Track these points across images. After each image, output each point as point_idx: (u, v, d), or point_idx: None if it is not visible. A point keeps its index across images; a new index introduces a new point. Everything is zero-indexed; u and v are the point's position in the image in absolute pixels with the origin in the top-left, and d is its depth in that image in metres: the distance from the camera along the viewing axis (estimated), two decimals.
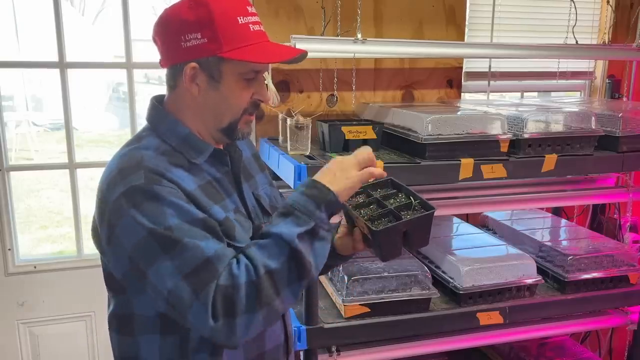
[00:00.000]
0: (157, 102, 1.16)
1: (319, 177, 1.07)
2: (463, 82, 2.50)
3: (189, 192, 1.03)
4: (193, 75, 1.07)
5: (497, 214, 2.51)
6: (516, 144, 1.81)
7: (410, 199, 1.15)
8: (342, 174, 1.06)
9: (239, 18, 1.05)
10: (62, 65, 2.12)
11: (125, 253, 1.00)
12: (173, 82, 1.12)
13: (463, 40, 2.42)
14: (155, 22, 1.10)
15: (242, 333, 0.97)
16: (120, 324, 1.13)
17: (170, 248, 0.97)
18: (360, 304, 1.73)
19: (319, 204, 1.03)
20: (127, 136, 2.03)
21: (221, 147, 1.18)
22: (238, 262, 0.99)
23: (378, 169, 1.10)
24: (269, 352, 1.20)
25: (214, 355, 1.09)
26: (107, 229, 1.02)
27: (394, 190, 1.20)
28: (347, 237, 1.20)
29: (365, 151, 1.10)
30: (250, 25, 1.07)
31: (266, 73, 1.87)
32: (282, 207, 1.05)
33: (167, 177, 1.02)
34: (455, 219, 2.38)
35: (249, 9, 1.08)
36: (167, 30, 1.08)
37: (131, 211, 0.98)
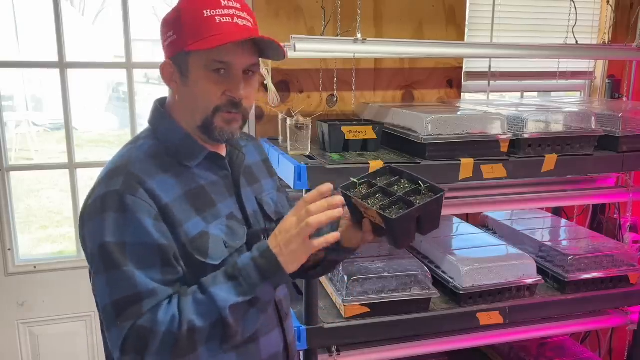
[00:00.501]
0: (159, 105, 1.17)
1: (271, 244, 1.03)
2: (463, 82, 2.50)
3: (164, 205, 1.04)
4: (170, 73, 1.10)
5: (497, 214, 2.51)
6: (516, 144, 1.81)
7: (419, 183, 1.14)
8: (287, 248, 1.01)
9: (205, 11, 1.04)
10: (62, 65, 2.12)
11: (88, 251, 1.05)
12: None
13: (463, 40, 2.42)
14: None
15: None
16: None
17: (111, 268, 0.99)
18: (360, 304, 1.73)
19: (266, 277, 1.01)
20: (127, 136, 2.03)
21: (217, 151, 1.16)
22: (169, 306, 0.99)
23: (319, 241, 1.02)
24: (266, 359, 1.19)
25: None
26: (80, 223, 1.07)
27: (396, 177, 1.20)
28: (353, 229, 1.18)
29: (302, 215, 1.01)
30: (217, 17, 1.04)
31: (266, 73, 1.87)
32: (230, 266, 1.03)
33: (146, 186, 1.03)
34: (455, 219, 2.38)
35: (225, 2, 1.06)
36: (160, 33, 1.12)
37: (100, 216, 1.01)
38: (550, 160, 1.81)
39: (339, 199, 1.04)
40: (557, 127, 1.86)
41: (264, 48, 1.11)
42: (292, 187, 1.58)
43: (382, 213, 1.06)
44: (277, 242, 1.02)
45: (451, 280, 1.87)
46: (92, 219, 1.03)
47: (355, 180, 1.18)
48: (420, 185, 1.14)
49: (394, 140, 1.85)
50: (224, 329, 1.00)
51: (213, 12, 1.04)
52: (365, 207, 1.10)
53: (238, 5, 1.08)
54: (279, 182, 1.41)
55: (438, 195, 1.09)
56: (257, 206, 1.23)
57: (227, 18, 1.05)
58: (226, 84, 1.07)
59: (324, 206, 1.01)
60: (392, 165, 1.23)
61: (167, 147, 1.11)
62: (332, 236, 1.03)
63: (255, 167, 1.29)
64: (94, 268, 1.03)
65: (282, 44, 1.12)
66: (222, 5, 1.06)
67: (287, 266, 1.02)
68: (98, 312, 1.12)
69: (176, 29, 1.06)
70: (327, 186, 1.04)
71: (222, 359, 1.10)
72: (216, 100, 1.07)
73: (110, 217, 1.00)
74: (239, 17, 1.07)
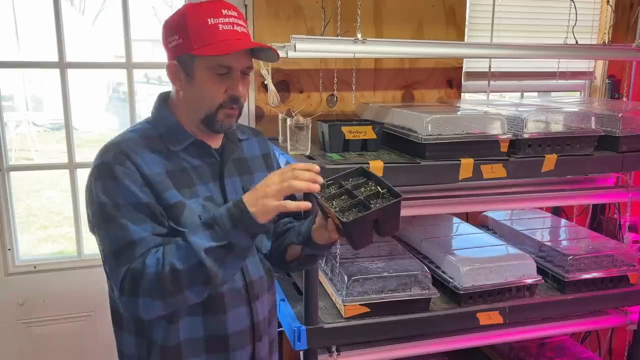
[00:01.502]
0: (162, 97, 1.32)
1: (247, 197, 1.13)
2: (463, 82, 2.50)
3: (147, 176, 1.18)
4: (175, 72, 1.23)
5: (497, 214, 2.51)
6: (516, 144, 1.81)
7: (378, 188, 1.18)
8: (261, 200, 1.11)
9: (209, 19, 1.18)
10: (62, 65, 2.12)
11: (90, 215, 1.21)
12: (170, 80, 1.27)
13: (463, 40, 2.42)
14: None
15: (143, 311, 1.13)
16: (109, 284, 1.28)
17: (109, 222, 1.15)
18: (360, 304, 1.73)
19: (236, 224, 1.11)
20: None
21: (206, 140, 1.28)
22: (155, 252, 1.13)
23: (292, 204, 1.12)
24: (233, 334, 1.28)
25: (171, 323, 1.22)
26: (85, 194, 1.23)
27: (364, 179, 1.23)
28: (323, 227, 1.23)
29: (287, 176, 1.12)
30: (220, 25, 1.18)
31: (266, 73, 1.87)
32: (209, 218, 1.15)
33: (132, 159, 1.18)
34: (455, 219, 2.38)
35: (225, 11, 1.20)
36: (163, 36, 1.25)
37: (96, 183, 1.18)
38: (550, 160, 1.81)
39: (321, 179, 1.15)
40: (557, 127, 1.86)
41: (258, 52, 1.25)
42: None
43: (338, 216, 1.11)
44: (254, 194, 1.13)
45: (451, 280, 1.87)
46: (89, 186, 1.19)
47: (323, 181, 1.21)
48: (379, 189, 1.18)
49: (394, 140, 1.85)
50: (201, 272, 1.11)
51: (216, 21, 1.18)
52: (328, 209, 1.15)
53: (235, 14, 1.22)
54: None
55: (394, 201, 1.13)
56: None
57: (229, 26, 1.19)
58: (227, 83, 1.21)
59: (309, 177, 1.13)
60: (364, 168, 1.26)
61: (159, 132, 1.25)
62: (304, 204, 1.15)
63: (251, 160, 1.40)
64: (96, 226, 1.18)
65: (276, 48, 1.26)
66: (224, 14, 1.19)
67: (258, 216, 1.11)
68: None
69: (181, 33, 1.19)
70: (317, 167, 1.16)
71: (189, 321, 1.24)
72: (220, 98, 1.22)
73: (103, 183, 1.16)
74: (237, 24, 1.21)
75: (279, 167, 1.46)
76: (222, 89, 1.21)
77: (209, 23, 1.17)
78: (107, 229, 1.15)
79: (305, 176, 1.13)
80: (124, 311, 1.19)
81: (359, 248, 1.17)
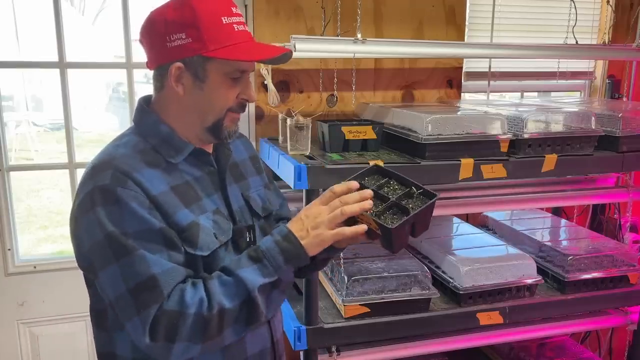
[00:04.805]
0: (144, 103, 1.18)
1: (294, 228, 1.08)
2: (463, 82, 2.50)
3: (153, 196, 1.04)
4: (178, 75, 1.09)
5: (497, 214, 2.51)
6: (516, 144, 1.81)
7: (412, 187, 1.16)
8: (314, 231, 1.06)
9: (223, 18, 1.07)
10: (62, 65, 2.12)
11: (84, 249, 1.05)
12: (159, 83, 1.13)
13: (463, 40, 2.42)
14: (141, 24, 1.12)
15: (177, 357, 1.01)
16: (97, 318, 1.16)
17: (121, 256, 1.00)
18: (360, 304, 1.73)
19: (289, 259, 1.06)
20: None
21: (203, 147, 1.18)
22: (194, 289, 1.02)
23: (350, 229, 1.07)
24: (252, 356, 1.20)
25: None
26: (72, 222, 1.08)
27: (385, 179, 1.21)
28: None
29: (335, 204, 1.07)
30: (234, 25, 1.08)
31: (266, 73, 1.87)
32: (253, 250, 1.07)
33: (134, 178, 1.03)
34: (455, 219, 2.38)
35: (234, 9, 1.10)
36: (153, 32, 1.10)
37: (94, 210, 1.01)
38: (550, 160, 1.81)
39: (369, 192, 1.10)
40: (557, 127, 1.86)
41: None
42: (292, 187, 1.58)
43: (382, 223, 1.07)
44: (302, 226, 1.07)
45: (451, 280, 1.87)
46: (85, 215, 1.03)
47: (371, 194, 1.19)
48: (412, 189, 1.15)
49: (394, 140, 1.85)
50: (250, 309, 1.03)
51: (230, 20, 1.08)
52: (364, 216, 1.11)
53: (240, 12, 1.12)
54: (267, 178, 1.42)
55: (432, 201, 1.11)
56: (244, 202, 1.24)
57: (241, 26, 1.10)
58: (239, 87, 1.12)
59: (357, 198, 1.08)
60: (380, 165, 1.24)
61: (151, 143, 1.12)
62: (362, 227, 1.07)
63: (242, 164, 1.31)
64: (99, 262, 1.03)
65: (286, 48, 1.18)
66: (234, 12, 1.09)
67: (309, 249, 1.06)
68: (94, 310, 1.15)
69: (191, 32, 1.05)
70: (355, 184, 1.11)
71: (208, 359, 1.12)
72: (231, 102, 1.13)
73: (105, 210, 1.01)
74: (245, 24, 1.12)
75: (263, 170, 1.40)
76: (234, 93, 1.12)
77: (224, 22, 1.06)
78: (119, 264, 1.00)
79: (354, 198, 1.07)
80: (150, 356, 1.04)
81: (397, 251, 1.14)
